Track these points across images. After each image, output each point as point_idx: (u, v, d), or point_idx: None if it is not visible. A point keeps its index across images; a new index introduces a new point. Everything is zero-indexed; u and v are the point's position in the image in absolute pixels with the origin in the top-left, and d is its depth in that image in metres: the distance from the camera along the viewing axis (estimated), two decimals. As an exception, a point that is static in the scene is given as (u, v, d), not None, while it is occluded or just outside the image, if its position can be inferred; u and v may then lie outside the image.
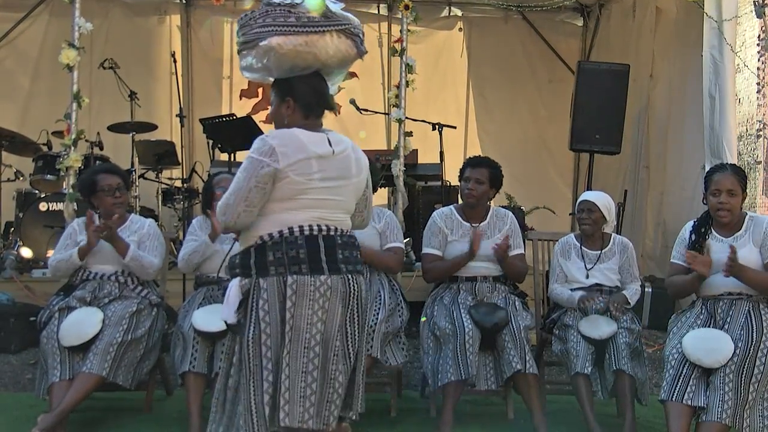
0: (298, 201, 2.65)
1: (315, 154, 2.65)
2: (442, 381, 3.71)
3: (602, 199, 4.11)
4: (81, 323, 3.70)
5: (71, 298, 3.85)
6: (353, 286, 2.70)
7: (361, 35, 2.78)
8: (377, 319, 3.77)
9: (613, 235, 4.20)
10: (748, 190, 3.65)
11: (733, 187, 3.51)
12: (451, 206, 4.30)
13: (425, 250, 4.15)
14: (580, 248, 4.12)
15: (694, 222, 3.67)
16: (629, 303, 3.96)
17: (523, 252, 4.22)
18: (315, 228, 2.65)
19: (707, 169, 4.71)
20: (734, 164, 3.68)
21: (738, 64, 5.28)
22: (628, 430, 3.58)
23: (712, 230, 3.60)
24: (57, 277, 4.05)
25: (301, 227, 2.64)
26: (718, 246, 3.54)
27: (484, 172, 4.11)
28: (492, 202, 4.31)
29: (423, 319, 4.00)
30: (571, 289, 4.06)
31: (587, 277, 4.05)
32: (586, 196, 4.16)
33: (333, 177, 2.69)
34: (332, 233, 2.69)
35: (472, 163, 4.19)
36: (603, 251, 4.10)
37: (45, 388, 3.65)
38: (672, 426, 3.29)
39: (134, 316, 3.78)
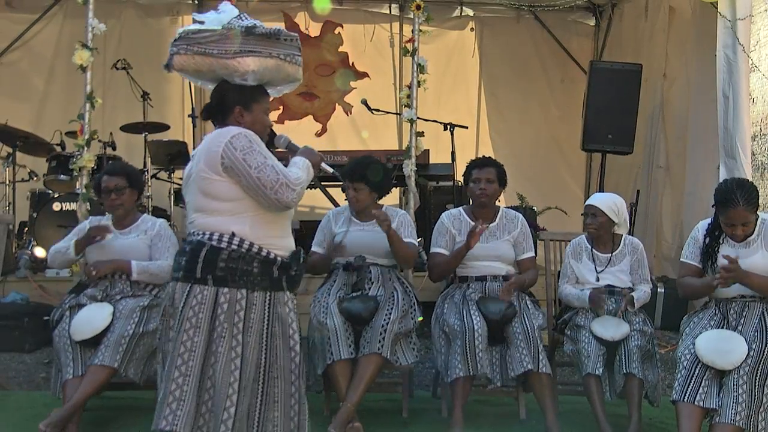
0: None
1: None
2: (451, 377, 3.72)
3: (608, 203, 4.04)
4: (91, 317, 3.73)
5: (82, 296, 3.89)
6: (168, 291, 2.71)
7: (171, 50, 2.76)
8: (389, 319, 3.78)
9: (624, 236, 4.17)
10: (762, 190, 3.61)
11: (747, 219, 3.43)
12: (460, 208, 4.30)
13: (432, 249, 4.17)
14: (591, 250, 4.10)
15: (708, 225, 3.63)
16: (633, 305, 3.89)
17: (533, 255, 4.22)
18: None
19: (721, 170, 4.68)
20: (743, 187, 3.44)
21: (752, 63, 5.23)
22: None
23: (725, 235, 3.55)
24: (54, 266, 4.10)
25: None
26: (730, 251, 3.51)
27: (492, 171, 4.14)
28: (503, 201, 4.31)
29: (420, 318, 4.00)
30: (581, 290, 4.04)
31: (597, 279, 4.03)
32: (592, 200, 4.12)
33: (186, 179, 2.78)
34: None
35: (478, 164, 4.20)
36: (614, 253, 4.07)
37: (60, 387, 3.69)
38: (683, 427, 3.28)
39: (145, 310, 3.81)
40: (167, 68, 2.79)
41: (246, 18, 2.76)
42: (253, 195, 2.66)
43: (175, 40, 2.75)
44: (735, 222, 3.44)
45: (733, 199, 3.40)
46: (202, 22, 2.74)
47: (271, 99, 2.93)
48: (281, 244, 2.76)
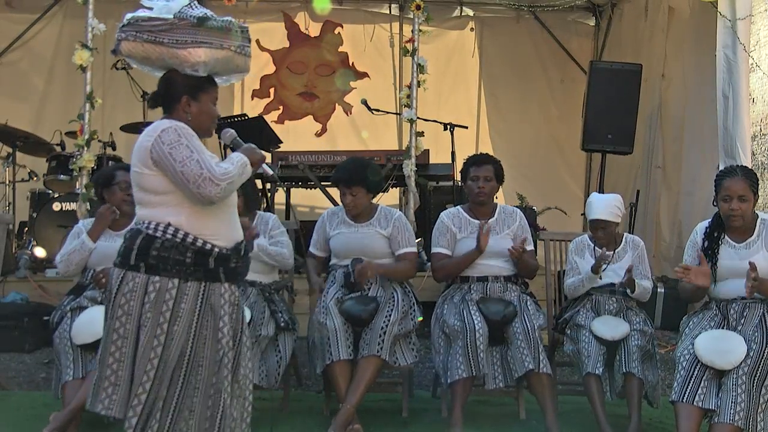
0: None
1: None
2: (452, 378, 3.71)
3: (612, 210, 4.01)
4: (93, 321, 3.71)
5: (82, 298, 3.88)
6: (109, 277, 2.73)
7: (119, 36, 2.75)
8: (389, 320, 3.78)
9: (625, 234, 4.18)
10: (761, 190, 3.62)
11: (744, 192, 3.44)
12: (458, 206, 4.30)
13: (434, 249, 4.15)
14: (594, 249, 4.10)
15: (707, 226, 3.63)
16: (633, 285, 3.88)
17: (533, 249, 4.23)
18: None
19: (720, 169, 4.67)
20: (745, 167, 3.60)
21: (752, 63, 5.24)
22: None
23: (725, 235, 3.56)
24: (69, 271, 4.00)
25: None
26: (730, 252, 3.51)
27: (490, 169, 4.13)
28: (502, 200, 4.31)
29: (420, 318, 4.00)
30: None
31: (601, 278, 4.02)
32: (597, 213, 4.02)
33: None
34: None
35: (475, 162, 4.18)
36: (616, 251, 4.07)
37: (59, 388, 3.68)
38: (682, 427, 3.28)
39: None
40: (114, 53, 2.79)
41: (197, 7, 2.75)
42: (180, 189, 2.66)
43: (123, 26, 2.73)
44: (732, 194, 3.44)
45: (733, 169, 3.50)
46: (150, 8, 2.73)
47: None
48: (223, 235, 2.74)
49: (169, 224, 2.64)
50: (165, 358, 2.60)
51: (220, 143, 6.31)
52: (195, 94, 2.77)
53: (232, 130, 3.00)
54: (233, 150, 2.94)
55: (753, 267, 3.30)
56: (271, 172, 3.12)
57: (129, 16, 2.73)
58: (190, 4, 2.73)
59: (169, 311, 2.61)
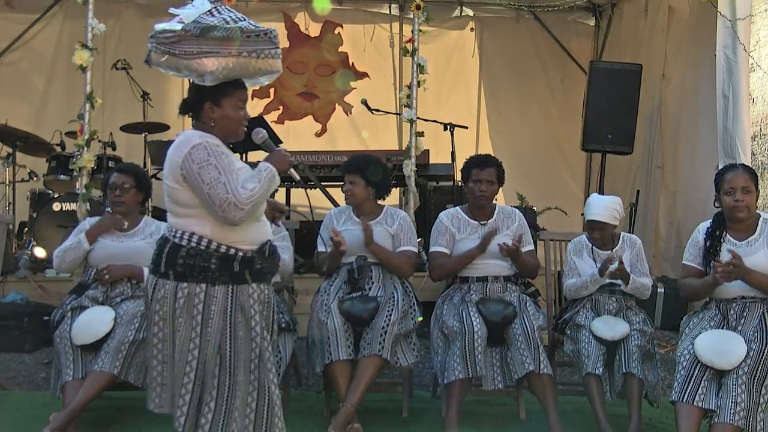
0: None
1: None
2: (449, 378, 3.71)
3: (610, 212, 4.03)
4: (93, 322, 3.72)
5: (84, 298, 3.88)
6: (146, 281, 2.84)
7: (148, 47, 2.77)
8: (389, 320, 3.78)
9: (622, 233, 4.18)
10: (761, 190, 3.64)
11: (747, 184, 3.48)
12: (457, 207, 4.30)
13: (432, 248, 4.16)
14: (592, 249, 4.11)
15: (708, 226, 3.63)
16: (627, 277, 3.89)
17: (533, 248, 4.22)
18: None
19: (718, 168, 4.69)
20: (743, 164, 3.65)
21: (752, 63, 5.24)
22: None
23: (726, 234, 3.56)
24: (63, 268, 4.03)
25: None
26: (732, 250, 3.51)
27: (493, 173, 4.12)
28: (502, 200, 4.30)
29: (420, 318, 4.01)
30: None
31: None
32: (594, 215, 4.03)
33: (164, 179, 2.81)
34: None
35: (478, 164, 4.15)
36: (614, 250, 4.07)
37: (59, 387, 3.69)
38: (682, 427, 3.28)
39: (146, 315, 3.80)
40: (147, 63, 2.82)
41: (219, 12, 2.76)
42: (206, 207, 2.72)
43: (150, 37, 2.76)
44: (736, 186, 3.47)
45: (732, 165, 3.61)
46: (177, 15, 2.75)
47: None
48: (248, 239, 2.78)
49: (193, 233, 2.72)
50: (203, 359, 2.71)
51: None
52: (217, 99, 2.80)
53: (264, 131, 3.02)
54: (264, 150, 2.98)
55: (735, 255, 3.35)
56: (298, 177, 3.10)
57: (156, 26, 2.76)
58: (210, 10, 2.76)
59: (200, 314, 2.70)
